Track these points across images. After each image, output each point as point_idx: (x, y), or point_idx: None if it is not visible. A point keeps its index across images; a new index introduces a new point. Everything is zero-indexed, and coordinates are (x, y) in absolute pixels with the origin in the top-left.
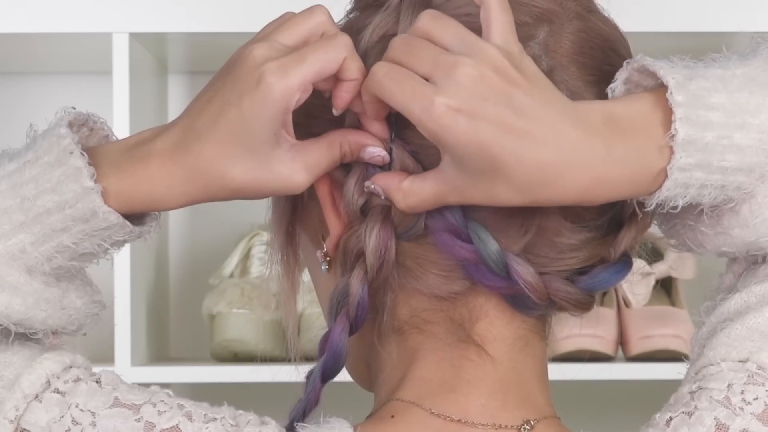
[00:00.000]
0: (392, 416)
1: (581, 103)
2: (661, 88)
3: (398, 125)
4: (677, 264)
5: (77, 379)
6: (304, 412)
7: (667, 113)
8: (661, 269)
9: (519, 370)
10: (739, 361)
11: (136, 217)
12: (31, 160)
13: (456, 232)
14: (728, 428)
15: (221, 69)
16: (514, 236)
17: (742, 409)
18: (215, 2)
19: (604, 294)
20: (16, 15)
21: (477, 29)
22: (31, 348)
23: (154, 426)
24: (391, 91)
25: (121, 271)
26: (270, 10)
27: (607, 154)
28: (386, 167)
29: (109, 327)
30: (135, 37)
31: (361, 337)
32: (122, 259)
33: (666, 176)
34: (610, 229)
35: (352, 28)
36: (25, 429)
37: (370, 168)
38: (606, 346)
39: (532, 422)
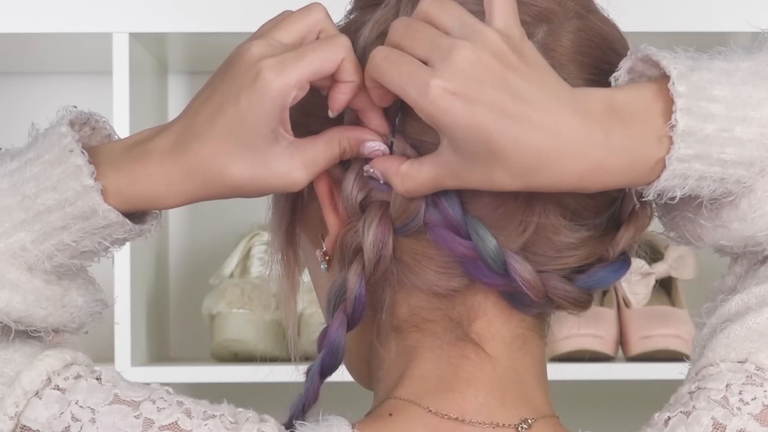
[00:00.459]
0: (390, 414)
1: (582, 89)
2: (664, 78)
3: (401, 119)
4: (677, 264)
5: (77, 376)
6: (303, 409)
7: (669, 103)
8: (661, 269)
9: (517, 369)
10: (738, 362)
11: (136, 216)
12: (32, 159)
13: (455, 229)
14: (725, 428)
15: (219, 68)
16: (512, 234)
17: (739, 409)
18: (215, 2)
19: (604, 294)
20: (16, 15)
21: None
22: (32, 345)
23: (153, 423)
24: (388, 74)
25: (121, 271)
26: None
27: (605, 142)
28: None
29: (109, 327)
30: (135, 37)
31: (361, 335)
32: (122, 258)
33: (664, 166)
34: (609, 228)
35: (351, 27)
36: (25, 425)
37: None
38: (606, 346)
39: (529, 421)
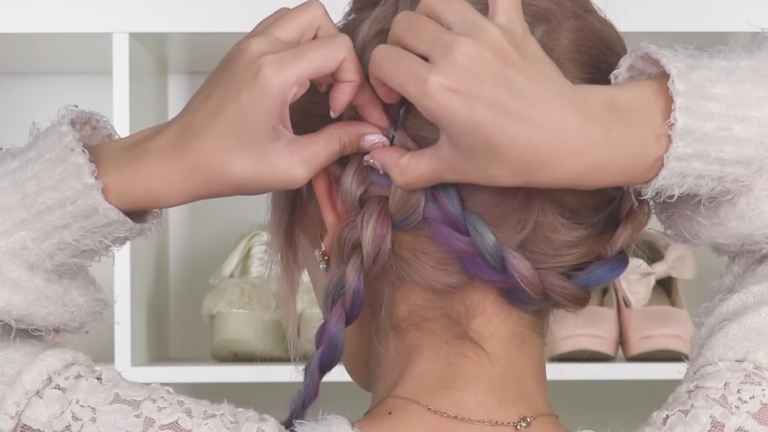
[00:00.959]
0: (389, 413)
1: (582, 86)
2: (664, 76)
3: (404, 114)
4: (677, 264)
5: (78, 376)
6: (303, 405)
7: (669, 101)
8: (661, 269)
9: (516, 367)
10: (737, 361)
11: (137, 215)
12: (33, 158)
13: (453, 224)
14: (723, 426)
15: (218, 66)
16: (510, 231)
17: (738, 407)
18: (215, 2)
19: (604, 294)
20: (16, 15)
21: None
22: (33, 345)
23: (154, 422)
24: (389, 72)
25: (121, 271)
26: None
27: (604, 140)
28: None
29: (110, 327)
30: (135, 37)
31: (360, 334)
32: (122, 258)
33: (662, 165)
34: (607, 227)
35: (349, 26)
36: (25, 425)
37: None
38: (606, 346)
39: (528, 419)
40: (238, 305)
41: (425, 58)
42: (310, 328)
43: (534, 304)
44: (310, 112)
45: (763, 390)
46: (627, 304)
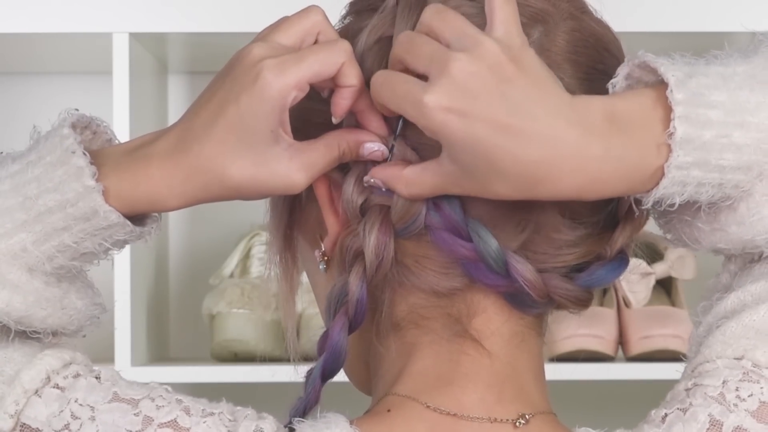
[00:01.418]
0: (389, 410)
1: (581, 98)
2: (661, 84)
3: (403, 123)
4: (677, 264)
5: (77, 375)
6: (304, 411)
7: (668, 110)
8: (661, 269)
9: (515, 366)
10: (735, 359)
11: (137, 219)
12: (34, 161)
13: (456, 231)
14: (722, 425)
15: (220, 71)
16: (511, 233)
17: (736, 405)
18: (215, 2)
19: (604, 294)
20: (16, 15)
21: (480, 23)
22: (31, 345)
23: (153, 420)
24: (387, 96)
25: (121, 272)
26: (269, 10)
27: (604, 153)
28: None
29: (109, 327)
30: (135, 37)
31: (360, 335)
32: (122, 259)
33: (663, 174)
34: (606, 227)
35: (348, 32)
36: (24, 424)
37: (370, 165)
38: (606, 346)
39: (527, 416)
40: (238, 305)
41: (426, 77)
42: (309, 327)
43: (537, 307)
44: (309, 119)
45: (762, 388)
46: (627, 304)
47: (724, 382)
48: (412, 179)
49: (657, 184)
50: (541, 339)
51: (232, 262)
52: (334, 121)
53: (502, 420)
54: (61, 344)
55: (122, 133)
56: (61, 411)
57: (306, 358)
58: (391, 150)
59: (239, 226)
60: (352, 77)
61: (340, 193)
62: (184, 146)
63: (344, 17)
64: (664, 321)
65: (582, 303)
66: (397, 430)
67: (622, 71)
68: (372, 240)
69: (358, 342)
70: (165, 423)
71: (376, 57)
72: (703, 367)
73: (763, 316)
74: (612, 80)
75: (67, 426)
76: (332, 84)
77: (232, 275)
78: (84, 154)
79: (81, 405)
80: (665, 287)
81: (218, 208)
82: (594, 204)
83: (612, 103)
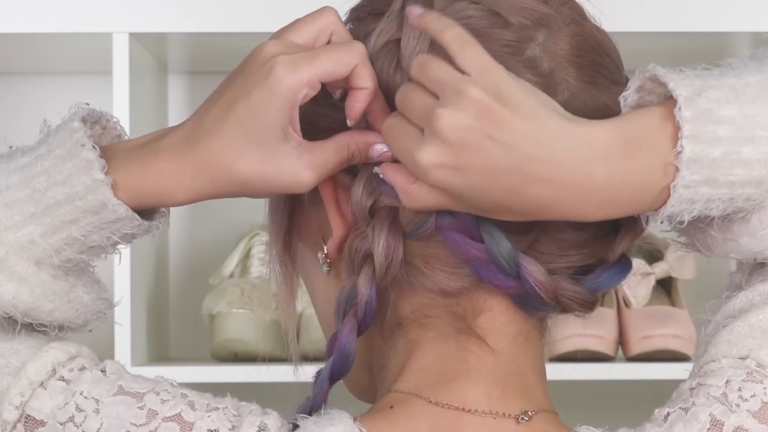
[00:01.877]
0: (391, 407)
1: (583, 123)
2: (671, 100)
3: None
4: (677, 264)
5: (82, 368)
6: (310, 411)
7: (676, 128)
8: (661, 269)
9: (519, 363)
10: (740, 358)
11: (145, 214)
12: (43, 154)
13: (467, 232)
14: (723, 425)
15: (234, 69)
16: (519, 234)
17: (738, 406)
18: (215, 2)
19: (605, 294)
20: (16, 15)
21: (480, 29)
22: (37, 338)
23: (157, 414)
24: (391, 145)
25: (121, 271)
26: (269, 10)
27: (608, 181)
28: None
29: (110, 327)
30: (135, 37)
31: (363, 337)
32: (123, 259)
33: (669, 194)
34: (610, 229)
35: (356, 37)
36: (29, 415)
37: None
38: (606, 346)
39: (529, 413)
40: (238, 305)
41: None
42: (309, 328)
43: (544, 310)
44: (317, 123)
45: (765, 388)
46: (627, 304)
47: (727, 382)
48: (415, 194)
49: (665, 202)
50: (543, 339)
51: (232, 262)
52: (349, 123)
53: (504, 415)
54: (67, 338)
55: (125, 131)
56: (66, 403)
57: (306, 359)
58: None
59: (239, 226)
60: (366, 79)
61: (346, 195)
62: (194, 141)
63: (345, 24)
64: (664, 321)
65: (589, 306)
66: (400, 426)
67: (633, 84)
68: (381, 242)
69: (363, 345)
70: (169, 417)
71: (385, 59)
72: (709, 366)
73: None
74: (624, 93)
75: (71, 418)
76: (344, 84)
77: (232, 275)
78: (94, 147)
79: (86, 398)
80: (665, 287)
81: (218, 208)
82: None
83: (618, 127)
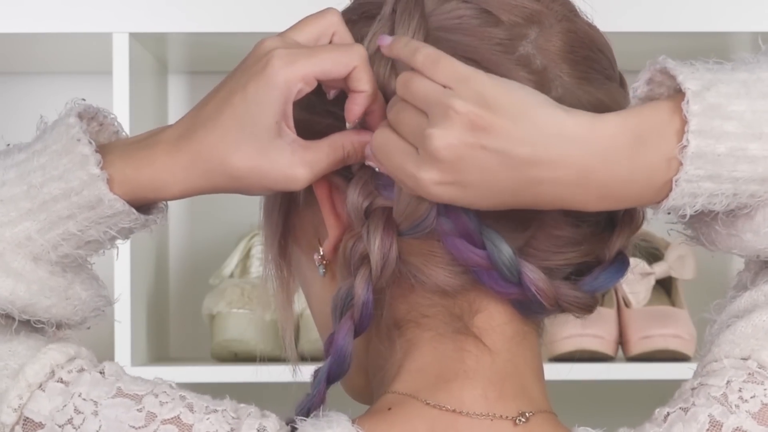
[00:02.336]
0: (389, 409)
1: (585, 116)
2: (680, 93)
3: None
4: (677, 264)
5: (81, 370)
6: (308, 411)
7: (684, 122)
8: (661, 269)
9: (516, 363)
10: (742, 359)
11: (143, 210)
12: (39, 150)
13: (469, 237)
14: (722, 426)
15: (235, 67)
16: (514, 231)
17: (737, 406)
18: (215, 2)
19: (604, 294)
20: (16, 15)
21: (471, 28)
22: (36, 339)
23: (156, 416)
24: (384, 161)
25: (121, 271)
26: (269, 10)
27: (609, 176)
28: None
29: (110, 326)
30: (135, 37)
31: (360, 339)
32: (122, 259)
33: (671, 187)
34: (606, 227)
35: None
36: (28, 418)
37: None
38: (606, 346)
39: (527, 414)
40: (238, 305)
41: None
42: (309, 328)
43: (544, 314)
44: (310, 129)
45: (765, 390)
46: (627, 304)
47: (728, 383)
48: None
49: (667, 195)
50: (540, 339)
51: (232, 262)
52: (349, 126)
53: (502, 417)
54: (66, 338)
55: (123, 128)
56: (65, 405)
57: (305, 359)
58: None
59: (239, 226)
60: (365, 83)
61: (341, 196)
62: (190, 134)
63: None
64: (664, 321)
65: (589, 308)
66: (398, 428)
67: (643, 76)
68: (376, 242)
69: (358, 346)
70: (168, 419)
71: (380, 63)
72: (711, 366)
73: None
74: (634, 84)
75: (70, 420)
76: (341, 85)
77: (232, 275)
78: (90, 142)
79: (84, 400)
80: (665, 287)
81: (218, 207)
82: None
83: (623, 122)
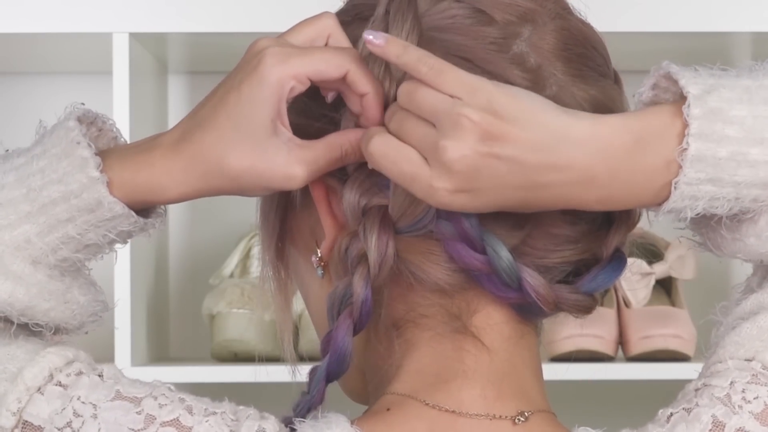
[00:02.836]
0: (388, 409)
1: (587, 117)
2: (684, 98)
3: None
4: (677, 264)
5: (79, 373)
6: (308, 410)
7: (685, 125)
8: (661, 269)
9: (515, 362)
10: (746, 360)
11: (142, 213)
12: (39, 154)
13: (470, 242)
14: (724, 426)
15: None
16: (511, 229)
17: (740, 407)
18: (215, 2)
19: (604, 294)
20: (16, 15)
21: (465, 28)
22: (34, 343)
23: (155, 419)
24: (390, 171)
25: (121, 271)
26: (269, 10)
27: (611, 176)
28: None
29: (110, 327)
30: (135, 37)
31: (357, 339)
32: (122, 258)
33: (671, 190)
34: (603, 225)
35: None
36: (27, 421)
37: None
38: (606, 346)
39: (526, 414)
40: (238, 305)
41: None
42: (309, 329)
43: (543, 315)
44: (306, 133)
45: None
46: (627, 304)
47: (731, 383)
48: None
49: (667, 198)
50: (538, 338)
51: (232, 262)
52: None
53: (501, 417)
54: (64, 342)
55: (122, 134)
56: (64, 408)
57: (305, 359)
58: None
59: (239, 226)
60: (364, 84)
61: (337, 197)
62: (187, 136)
63: None
64: (664, 321)
65: (588, 310)
66: (397, 429)
67: (648, 81)
68: (374, 239)
69: (355, 347)
70: (167, 422)
71: (374, 65)
72: (715, 367)
73: None
74: (639, 89)
75: (69, 424)
76: (337, 86)
77: (232, 275)
78: (89, 145)
79: (83, 403)
80: (665, 287)
81: (218, 208)
82: None
83: (624, 123)
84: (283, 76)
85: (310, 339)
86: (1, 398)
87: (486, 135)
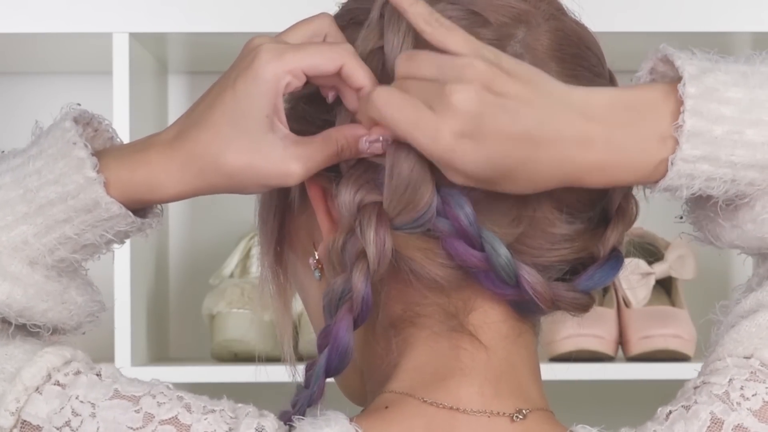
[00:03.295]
0: (386, 407)
1: (580, 89)
2: (679, 79)
3: None
4: (677, 264)
5: (77, 372)
6: (307, 406)
7: (679, 103)
8: (661, 269)
9: (512, 360)
10: (744, 357)
11: (140, 213)
12: (35, 154)
13: (468, 239)
14: (723, 423)
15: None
16: (507, 227)
17: (739, 404)
18: (215, 2)
19: (605, 294)
20: (16, 15)
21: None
22: (32, 343)
23: (153, 417)
24: (393, 119)
25: (121, 271)
26: (269, 10)
27: (606, 141)
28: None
29: (109, 327)
30: (135, 37)
31: (355, 340)
32: (122, 259)
33: (668, 166)
34: (599, 223)
35: None
36: (25, 421)
37: (370, 170)
38: (606, 346)
39: (524, 412)
40: (238, 305)
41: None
42: (308, 328)
43: (539, 313)
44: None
45: (767, 388)
46: (627, 304)
47: (730, 381)
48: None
49: (664, 175)
50: (536, 337)
51: (232, 262)
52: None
53: (499, 414)
54: (62, 342)
55: (122, 134)
56: (62, 408)
57: (302, 359)
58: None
59: (239, 226)
60: (360, 78)
61: (333, 200)
62: (184, 134)
63: None
64: (664, 321)
65: (585, 308)
66: (396, 426)
67: (645, 65)
68: (371, 234)
69: (354, 346)
70: (166, 420)
71: (371, 64)
72: (714, 365)
73: None
74: (637, 74)
75: (67, 423)
76: (335, 82)
77: (232, 275)
78: (85, 145)
79: (82, 402)
80: (665, 287)
81: (218, 208)
82: (590, 199)
83: (617, 93)
84: (279, 72)
85: (309, 339)
86: None
87: (492, 83)
